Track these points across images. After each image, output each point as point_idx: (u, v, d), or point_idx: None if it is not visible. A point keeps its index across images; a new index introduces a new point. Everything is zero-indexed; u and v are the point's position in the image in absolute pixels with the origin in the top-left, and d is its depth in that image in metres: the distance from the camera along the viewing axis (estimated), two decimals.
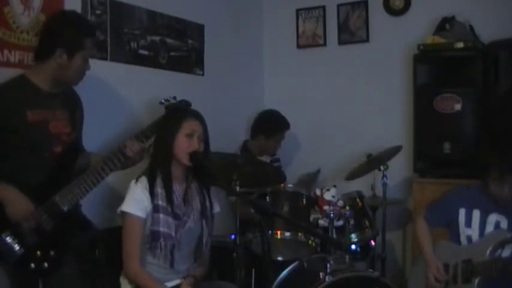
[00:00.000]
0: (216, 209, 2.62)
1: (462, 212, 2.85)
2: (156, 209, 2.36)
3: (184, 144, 2.39)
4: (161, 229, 2.36)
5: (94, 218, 2.65)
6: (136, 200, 2.34)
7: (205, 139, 2.48)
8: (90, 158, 2.59)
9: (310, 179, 4.00)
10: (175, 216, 2.40)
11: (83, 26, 2.48)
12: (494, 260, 2.69)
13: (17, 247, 2.24)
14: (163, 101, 2.60)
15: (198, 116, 2.48)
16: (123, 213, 2.34)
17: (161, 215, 2.36)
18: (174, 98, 2.63)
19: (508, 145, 3.10)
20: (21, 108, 2.32)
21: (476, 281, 2.70)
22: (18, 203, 2.24)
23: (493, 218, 2.79)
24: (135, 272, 2.33)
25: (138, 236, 2.34)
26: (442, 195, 3.07)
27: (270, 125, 3.95)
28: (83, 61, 2.43)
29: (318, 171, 4.02)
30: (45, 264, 2.28)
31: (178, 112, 2.49)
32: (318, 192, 2.96)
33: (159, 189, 2.39)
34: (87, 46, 2.43)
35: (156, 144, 2.47)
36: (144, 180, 2.39)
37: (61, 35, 2.37)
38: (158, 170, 2.41)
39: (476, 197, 2.84)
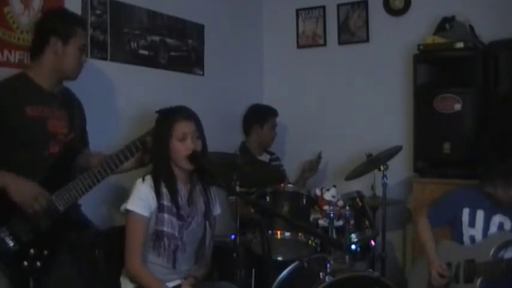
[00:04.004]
0: (217, 211, 2.62)
1: (466, 212, 2.85)
2: (161, 208, 2.36)
3: (179, 149, 2.38)
4: (165, 229, 2.36)
5: (94, 218, 2.65)
6: (141, 199, 2.34)
7: (200, 136, 2.46)
8: (91, 159, 2.59)
9: (313, 165, 4.04)
10: (180, 217, 2.40)
11: (74, 17, 2.54)
12: (497, 260, 2.69)
13: (10, 243, 2.22)
14: (159, 110, 2.59)
15: (188, 116, 2.45)
16: (127, 211, 2.35)
17: (166, 215, 2.37)
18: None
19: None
20: (20, 104, 2.32)
21: (479, 281, 2.70)
22: (24, 185, 2.23)
23: (496, 219, 2.78)
24: (136, 270, 2.33)
25: (140, 235, 2.34)
26: (444, 194, 3.07)
27: (260, 113, 4.03)
28: (78, 50, 2.45)
29: (320, 155, 4.03)
30: (38, 263, 2.27)
31: (167, 116, 2.45)
32: (318, 192, 2.96)
33: (164, 190, 2.39)
34: (80, 34, 2.46)
35: (154, 151, 2.46)
36: (150, 179, 2.39)
37: (53, 25, 2.42)
38: (160, 174, 2.41)
39: (481, 197, 2.83)
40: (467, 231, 2.83)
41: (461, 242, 2.85)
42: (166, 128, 2.41)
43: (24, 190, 2.23)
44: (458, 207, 2.87)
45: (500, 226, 2.77)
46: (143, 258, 2.36)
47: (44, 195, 2.26)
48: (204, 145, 2.49)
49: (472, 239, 2.82)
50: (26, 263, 2.25)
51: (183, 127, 2.40)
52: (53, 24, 2.43)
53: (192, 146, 2.39)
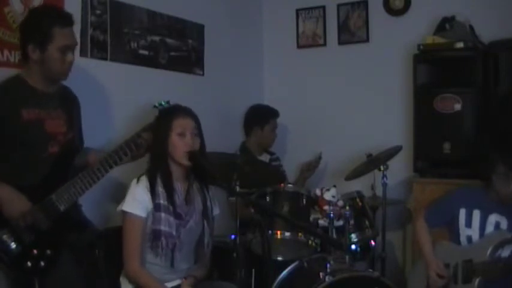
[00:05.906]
0: (216, 211, 2.62)
1: (462, 212, 2.86)
2: (157, 208, 2.37)
3: (178, 144, 2.40)
4: (162, 228, 2.36)
5: (94, 218, 2.65)
6: (137, 200, 2.35)
7: (199, 134, 2.48)
8: (88, 156, 2.59)
9: (312, 166, 4.04)
10: (177, 216, 2.41)
11: (50, 18, 2.39)
12: (495, 260, 2.69)
13: (13, 245, 2.24)
14: (156, 104, 2.60)
15: (188, 113, 2.48)
16: (124, 212, 2.35)
17: (163, 214, 2.37)
18: (168, 102, 2.61)
19: None
20: (16, 107, 2.32)
21: (477, 281, 2.70)
22: (15, 202, 2.24)
23: (493, 218, 2.79)
24: (135, 271, 2.34)
25: (138, 236, 2.34)
26: (441, 195, 3.08)
27: (261, 114, 4.03)
28: (59, 52, 2.36)
29: (320, 156, 4.04)
30: (42, 263, 2.28)
31: (167, 113, 2.47)
32: (318, 192, 2.96)
33: (160, 189, 2.39)
34: (57, 36, 2.35)
35: (153, 146, 2.47)
36: (145, 179, 2.39)
37: (28, 33, 2.37)
38: (157, 170, 2.41)
39: (477, 197, 2.84)
40: (464, 232, 2.84)
41: (459, 242, 2.86)
42: (166, 123, 2.43)
43: (14, 208, 2.24)
44: (455, 208, 2.88)
45: (497, 225, 2.79)
46: (141, 259, 2.36)
47: (31, 215, 2.26)
48: (203, 144, 2.49)
49: (469, 239, 2.83)
50: (29, 264, 2.26)
51: (182, 122, 2.43)
52: (28, 32, 2.37)
53: (190, 142, 2.41)
